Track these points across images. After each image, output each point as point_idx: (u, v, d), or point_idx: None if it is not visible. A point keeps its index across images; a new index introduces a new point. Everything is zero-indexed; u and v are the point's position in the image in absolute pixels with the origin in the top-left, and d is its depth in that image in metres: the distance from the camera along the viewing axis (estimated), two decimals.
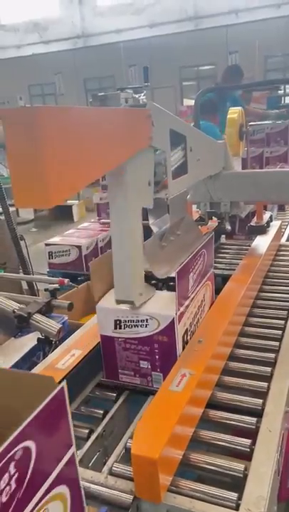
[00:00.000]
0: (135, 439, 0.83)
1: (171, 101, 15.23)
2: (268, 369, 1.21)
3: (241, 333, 1.44)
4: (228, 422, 1.04)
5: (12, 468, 0.51)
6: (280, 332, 1.41)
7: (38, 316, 1.40)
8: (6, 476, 0.50)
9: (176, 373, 1.03)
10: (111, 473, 0.91)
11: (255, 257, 1.80)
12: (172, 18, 15.37)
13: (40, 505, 0.56)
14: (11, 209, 2.45)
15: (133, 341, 1.16)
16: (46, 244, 3.16)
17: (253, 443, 0.95)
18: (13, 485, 0.52)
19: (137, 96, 2.96)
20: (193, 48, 14.98)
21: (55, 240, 3.24)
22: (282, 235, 2.34)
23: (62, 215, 6.94)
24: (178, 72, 16.45)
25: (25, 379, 0.65)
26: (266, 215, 2.10)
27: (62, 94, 17.96)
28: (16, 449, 0.51)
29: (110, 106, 1.07)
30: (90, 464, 0.99)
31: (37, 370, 1.21)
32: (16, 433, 0.51)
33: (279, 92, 7.74)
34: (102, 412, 1.12)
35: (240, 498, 0.82)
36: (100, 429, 1.05)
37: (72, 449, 0.62)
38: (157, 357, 1.15)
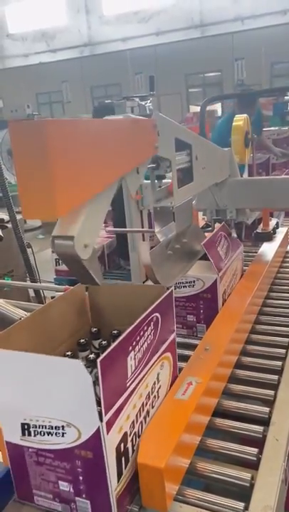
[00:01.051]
0: (141, 447, 0.83)
1: (178, 108, 15.34)
2: (275, 377, 1.21)
3: (248, 340, 1.43)
4: (234, 430, 1.04)
5: (152, 326, 0.90)
6: (287, 340, 1.41)
7: None
8: (149, 329, 0.89)
9: (183, 381, 1.03)
10: None
11: (261, 264, 1.80)
12: (178, 26, 15.50)
13: (160, 358, 0.95)
14: (19, 217, 2.47)
15: (182, 299, 1.37)
16: (53, 251, 3.17)
17: (260, 452, 0.95)
18: (152, 336, 0.90)
19: (143, 103, 2.99)
20: (199, 55, 15.09)
21: None
22: None
23: None
24: (184, 79, 16.55)
25: (143, 288, 1.12)
26: (272, 222, 2.10)
27: (70, 102, 18.13)
28: (152, 315, 0.90)
29: (116, 114, 1.08)
30: None
31: None
32: (152, 306, 0.89)
33: (285, 98, 7.77)
34: None
35: (247, 507, 0.82)
36: None
37: (174, 334, 1.02)
38: (202, 311, 1.38)
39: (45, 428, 0.78)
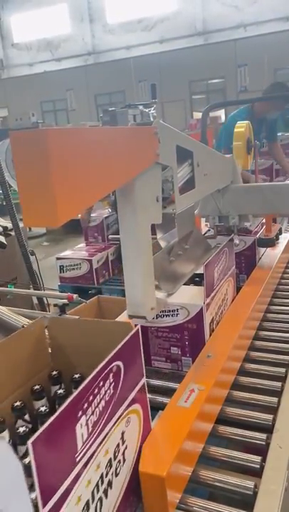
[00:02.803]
0: (143, 455, 0.83)
1: (181, 114, 15.40)
2: (279, 384, 1.20)
3: (251, 347, 1.43)
4: (237, 438, 1.03)
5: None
6: None
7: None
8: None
9: (185, 389, 1.03)
10: None
11: (264, 270, 1.79)
12: (181, 34, 15.61)
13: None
14: (22, 224, 2.49)
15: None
16: (57, 258, 3.19)
17: (264, 460, 0.94)
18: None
19: (147, 110, 3.00)
20: (203, 62, 15.17)
21: (66, 253, 3.27)
22: None
23: (74, 228, 7.01)
24: (188, 86, 16.62)
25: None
26: (275, 228, 2.10)
27: (74, 110, 18.26)
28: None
29: (119, 122, 1.09)
30: None
31: None
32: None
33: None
34: None
35: None
36: None
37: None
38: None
39: (165, 312, 1.06)
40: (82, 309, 2.03)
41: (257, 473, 0.92)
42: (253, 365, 1.32)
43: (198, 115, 13.39)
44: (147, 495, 0.82)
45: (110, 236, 3.33)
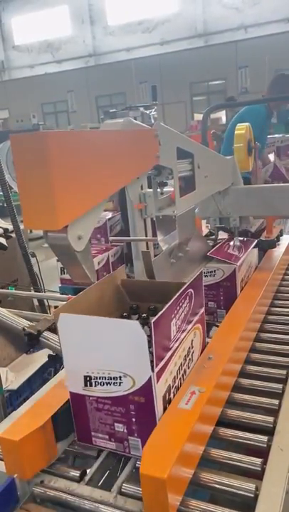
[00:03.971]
0: (144, 458, 0.83)
1: (182, 116, 15.41)
2: (279, 386, 1.20)
3: (252, 349, 1.42)
4: (238, 440, 1.03)
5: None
6: None
7: (47, 334, 1.41)
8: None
9: (186, 391, 1.02)
10: (120, 492, 0.90)
11: (265, 272, 1.79)
12: (182, 35, 15.64)
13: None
14: (22, 226, 2.49)
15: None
16: (58, 260, 3.18)
17: (265, 462, 0.94)
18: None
19: (147, 112, 3.00)
20: (204, 64, 15.19)
21: None
22: None
23: None
24: (188, 88, 16.64)
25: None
26: (276, 229, 2.10)
27: (75, 112, 18.30)
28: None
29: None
30: (100, 484, 0.98)
31: (48, 386, 1.22)
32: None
33: None
34: None
35: None
36: None
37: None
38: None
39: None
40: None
41: (258, 475, 0.92)
42: (253, 367, 1.32)
43: (198, 117, 13.40)
44: (148, 497, 0.82)
45: (111, 238, 3.33)
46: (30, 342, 1.42)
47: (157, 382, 0.91)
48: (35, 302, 2.51)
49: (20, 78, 18.55)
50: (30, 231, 6.54)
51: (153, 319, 0.89)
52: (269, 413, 1.10)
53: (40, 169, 0.69)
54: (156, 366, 0.90)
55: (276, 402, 1.13)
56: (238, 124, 1.95)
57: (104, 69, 17.00)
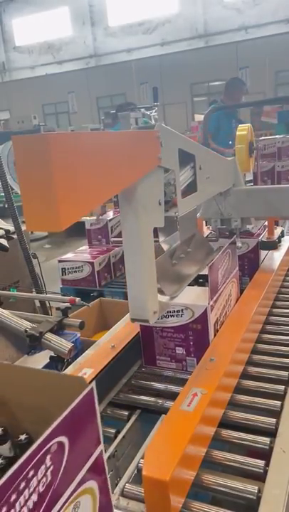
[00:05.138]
0: (146, 460, 0.83)
1: (183, 117, 15.43)
2: (282, 387, 1.20)
3: (254, 350, 1.42)
4: (241, 442, 1.03)
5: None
6: None
7: (49, 335, 1.41)
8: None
9: (188, 393, 1.02)
10: (123, 494, 0.90)
11: (267, 273, 1.79)
12: (182, 36, 15.64)
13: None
14: (24, 228, 2.49)
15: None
16: (59, 261, 3.18)
17: (267, 464, 0.94)
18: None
19: (148, 113, 3.00)
20: (204, 65, 15.19)
21: (68, 256, 3.26)
22: None
23: (76, 231, 7.01)
24: (189, 89, 16.65)
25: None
26: (277, 230, 2.10)
27: (76, 113, 18.31)
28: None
29: (121, 124, 1.09)
30: None
31: None
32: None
33: None
34: (113, 431, 1.11)
35: None
36: (111, 448, 1.05)
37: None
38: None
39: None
40: (84, 312, 2.04)
41: (260, 477, 0.92)
42: (255, 369, 1.32)
43: (199, 117, 13.39)
44: (150, 499, 0.82)
45: (113, 239, 3.32)
46: (32, 343, 1.42)
47: (211, 312, 1.22)
48: (37, 303, 2.50)
49: (21, 79, 18.56)
50: (32, 232, 6.55)
51: (209, 264, 1.17)
52: (271, 415, 1.10)
53: (42, 171, 0.69)
54: (210, 300, 1.16)
55: (278, 403, 1.13)
56: (240, 125, 1.95)
57: (104, 70, 17.01)
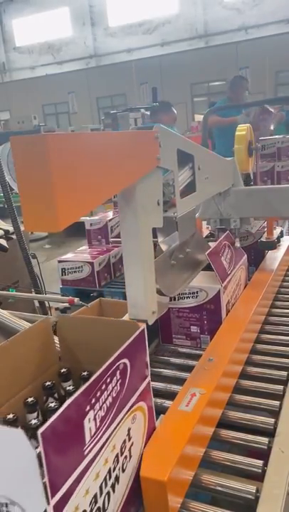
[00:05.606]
0: (144, 460, 0.83)
1: (183, 117, 15.42)
2: (280, 387, 1.20)
3: (253, 350, 1.42)
4: (239, 442, 1.03)
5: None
6: None
7: None
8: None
9: (186, 393, 1.02)
10: None
11: (266, 273, 1.79)
12: (182, 37, 15.64)
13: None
14: (23, 228, 2.49)
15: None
16: (59, 261, 3.19)
17: (265, 464, 0.94)
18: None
19: (148, 113, 3.00)
20: (204, 65, 15.19)
21: (68, 256, 3.26)
22: None
23: (76, 231, 7.01)
24: (189, 89, 16.64)
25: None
26: (277, 231, 2.09)
27: (76, 113, 18.32)
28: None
29: (121, 125, 1.09)
30: None
31: None
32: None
33: None
34: None
35: None
36: None
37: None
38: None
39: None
40: (84, 312, 2.03)
41: (259, 477, 0.92)
42: (254, 369, 1.32)
43: (199, 117, 13.40)
44: (148, 500, 0.82)
45: (112, 239, 3.33)
46: None
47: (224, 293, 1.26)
48: (36, 304, 2.51)
49: (22, 79, 18.57)
50: (32, 232, 6.56)
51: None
52: (270, 415, 1.10)
53: (41, 171, 0.69)
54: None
55: (277, 403, 1.13)
56: (239, 126, 1.95)
57: (105, 70, 17.01)
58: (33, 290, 2.47)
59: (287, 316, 1.64)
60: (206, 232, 2.02)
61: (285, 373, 1.26)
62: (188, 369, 1.21)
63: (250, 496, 0.87)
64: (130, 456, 0.81)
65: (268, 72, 13.81)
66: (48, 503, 0.59)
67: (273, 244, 2.00)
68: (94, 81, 17.47)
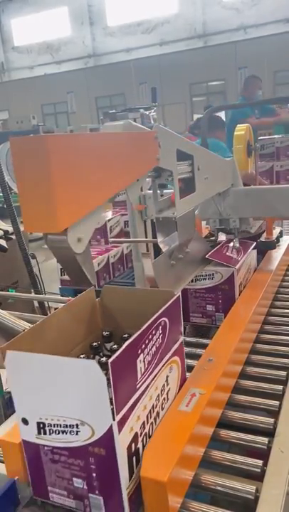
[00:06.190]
0: (144, 460, 0.83)
1: (182, 117, 15.42)
2: (280, 387, 1.20)
3: (252, 350, 1.43)
4: (239, 442, 1.03)
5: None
6: None
7: None
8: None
9: (186, 393, 1.03)
10: None
11: (265, 273, 1.79)
12: (181, 36, 15.64)
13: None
14: (23, 228, 2.49)
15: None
16: (58, 262, 3.18)
17: (265, 464, 0.94)
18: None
19: (147, 113, 3.00)
20: (203, 65, 15.19)
21: None
22: None
23: None
24: (188, 89, 16.64)
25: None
26: (276, 231, 2.10)
27: (74, 113, 18.31)
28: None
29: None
30: None
31: None
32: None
33: None
34: None
35: None
36: None
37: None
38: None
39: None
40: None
41: (258, 477, 0.92)
42: (254, 369, 1.32)
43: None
44: (148, 500, 0.82)
45: (111, 239, 3.33)
46: None
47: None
48: (36, 304, 2.51)
49: (20, 79, 18.55)
50: (31, 232, 6.56)
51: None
52: (269, 415, 1.10)
53: (40, 172, 0.69)
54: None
55: (277, 403, 1.13)
56: (238, 126, 1.95)
57: (103, 70, 17.00)
58: (32, 290, 2.47)
59: (286, 316, 1.64)
60: (205, 233, 2.02)
61: (284, 373, 1.26)
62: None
63: (249, 496, 0.87)
64: (168, 399, 0.98)
65: (266, 72, 13.81)
66: (114, 419, 0.75)
67: (273, 244, 2.01)
68: (93, 81, 17.46)
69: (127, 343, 0.79)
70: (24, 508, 0.89)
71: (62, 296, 2.02)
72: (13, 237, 2.56)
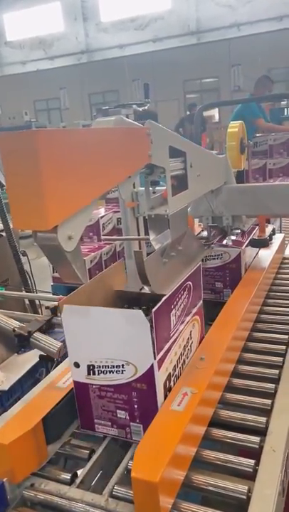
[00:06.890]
0: (135, 461, 0.82)
1: (176, 113, 15.37)
2: (272, 386, 1.20)
3: (244, 348, 1.42)
4: (231, 441, 1.03)
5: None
6: (284, 347, 1.39)
7: (38, 335, 1.40)
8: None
9: (178, 392, 1.02)
10: (112, 495, 0.89)
11: (258, 271, 1.79)
12: (175, 33, 15.58)
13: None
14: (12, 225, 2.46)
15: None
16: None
17: (257, 463, 0.93)
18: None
19: (140, 110, 2.99)
20: (196, 62, 15.16)
21: None
22: (286, 247, 2.32)
23: None
24: (181, 86, 16.61)
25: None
26: (269, 228, 2.10)
27: (67, 109, 18.19)
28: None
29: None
30: (91, 486, 0.97)
31: (39, 387, 1.20)
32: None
33: (282, 103, 7.82)
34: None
35: None
36: (100, 449, 1.04)
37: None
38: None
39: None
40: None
41: (250, 476, 0.91)
42: (246, 367, 1.32)
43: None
44: (139, 500, 0.81)
45: (103, 237, 3.31)
46: (21, 343, 1.40)
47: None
48: (27, 301, 2.48)
49: (13, 75, 18.38)
50: (21, 230, 6.51)
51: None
52: (261, 413, 1.09)
53: (29, 168, 0.67)
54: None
55: (269, 402, 1.12)
56: (232, 122, 1.94)
57: (96, 66, 16.90)
58: (23, 288, 2.44)
59: (279, 314, 1.63)
60: (198, 230, 2.01)
61: (276, 371, 1.26)
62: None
63: (241, 496, 0.86)
64: (191, 350, 1.17)
65: (260, 70, 13.80)
66: (155, 358, 0.93)
67: (265, 242, 2.00)
68: (86, 77, 17.35)
69: (164, 298, 0.98)
70: (13, 509, 0.88)
71: (53, 294, 1.99)
72: (3, 234, 2.53)
